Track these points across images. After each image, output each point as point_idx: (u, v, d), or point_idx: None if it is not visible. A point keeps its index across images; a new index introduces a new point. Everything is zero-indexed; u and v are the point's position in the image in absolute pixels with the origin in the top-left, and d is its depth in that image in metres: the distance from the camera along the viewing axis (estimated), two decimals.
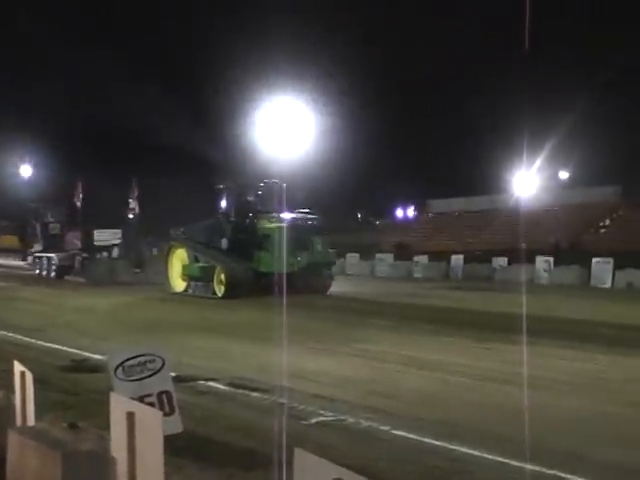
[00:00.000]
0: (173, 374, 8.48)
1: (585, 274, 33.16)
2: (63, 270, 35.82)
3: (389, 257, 41.54)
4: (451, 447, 8.29)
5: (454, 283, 25.02)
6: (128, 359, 7.69)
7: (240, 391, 11.25)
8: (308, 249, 25.29)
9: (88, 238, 35.42)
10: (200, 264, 26.91)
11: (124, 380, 7.56)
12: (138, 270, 33.48)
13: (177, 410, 7.80)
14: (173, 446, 6.44)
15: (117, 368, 7.66)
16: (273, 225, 25.71)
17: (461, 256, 38.61)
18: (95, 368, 12.06)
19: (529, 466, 7.48)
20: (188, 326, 18.92)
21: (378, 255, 42.23)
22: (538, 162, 39.20)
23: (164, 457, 5.57)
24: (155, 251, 34.98)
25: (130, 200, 36.68)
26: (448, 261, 38.74)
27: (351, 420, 9.43)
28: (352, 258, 42.32)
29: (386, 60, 49.61)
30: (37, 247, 38.50)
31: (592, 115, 37.52)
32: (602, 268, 31.94)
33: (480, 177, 45.69)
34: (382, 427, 9.08)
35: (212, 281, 25.90)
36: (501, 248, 38.93)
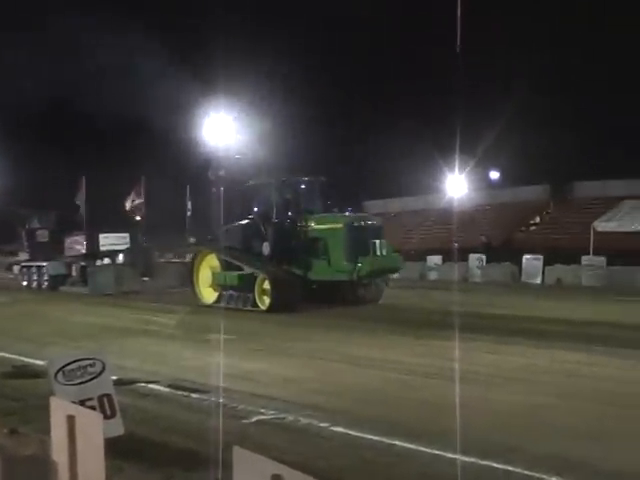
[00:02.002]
0: (114, 377, 8.44)
1: (516, 271, 33.67)
2: (57, 280, 31.67)
3: None
4: (389, 442, 8.34)
5: (390, 281, 25.17)
6: (68, 363, 7.64)
7: (180, 392, 11.20)
8: (369, 254, 21.19)
9: (93, 243, 31.20)
10: (238, 272, 22.63)
11: (64, 384, 7.51)
12: (146, 278, 30.25)
13: (118, 413, 7.77)
14: (114, 448, 6.41)
15: (57, 373, 7.60)
16: (326, 227, 21.96)
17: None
18: (37, 374, 11.91)
19: (464, 458, 7.60)
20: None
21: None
22: (470, 163, 39.65)
23: (105, 459, 5.56)
24: (159, 257, 31.93)
25: (138, 201, 32.71)
26: None
27: (290, 418, 9.45)
28: None
29: (323, 63, 49.01)
30: (23, 256, 34.88)
31: (521, 116, 38.01)
32: (532, 265, 32.45)
33: (415, 178, 46.01)
34: (321, 424, 9.11)
35: (252, 291, 21.95)
36: (436, 247, 39.36)
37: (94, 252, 30.74)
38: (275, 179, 23.26)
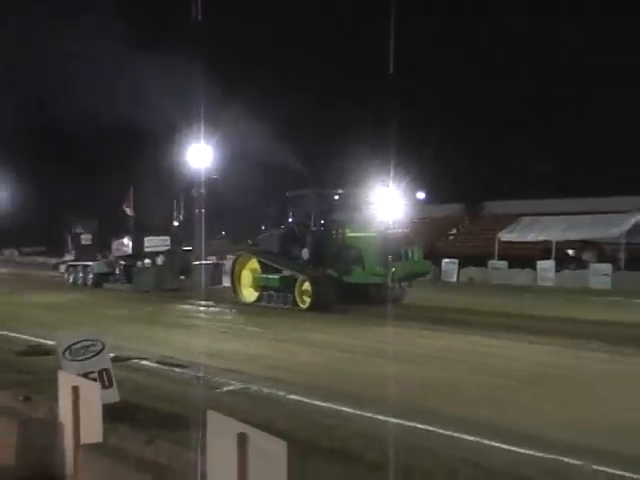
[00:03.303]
0: (112, 355, 8.34)
1: (437, 271, 33.87)
2: (101, 278, 29.92)
3: None
4: (334, 407, 8.38)
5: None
6: (74, 343, 7.56)
7: (167, 367, 11.10)
8: (401, 259, 19.60)
9: (138, 244, 29.07)
10: (279, 274, 21.05)
11: (71, 360, 7.43)
12: (183, 277, 28.37)
13: (115, 384, 7.68)
14: (111, 413, 6.34)
15: (65, 351, 7.53)
16: (361, 235, 20.21)
17: None
18: (48, 351, 11.72)
19: (394, 420, 7.65)
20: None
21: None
22: (402, 184, 39.74)
23: (103, 422, 5.50)
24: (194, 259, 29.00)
25: (178, 208, 30.22)
26: None
27: (255, 388, 9.42)
28: None
29: (266, 79, 45.45)
30: (68, 257, 32.62)
31: (443, 146, 38.22)
32: (450, 267, 32.63)
33: None
34: (280, 393, 9.10)
35: (292, 292, 20.36)
36: None
37: (139, 253, 28.86)
38: (312, 191, 21.53)
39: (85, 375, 6.93)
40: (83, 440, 5.28)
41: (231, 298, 22.28)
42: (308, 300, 19.82)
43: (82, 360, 7.45)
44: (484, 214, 40.58)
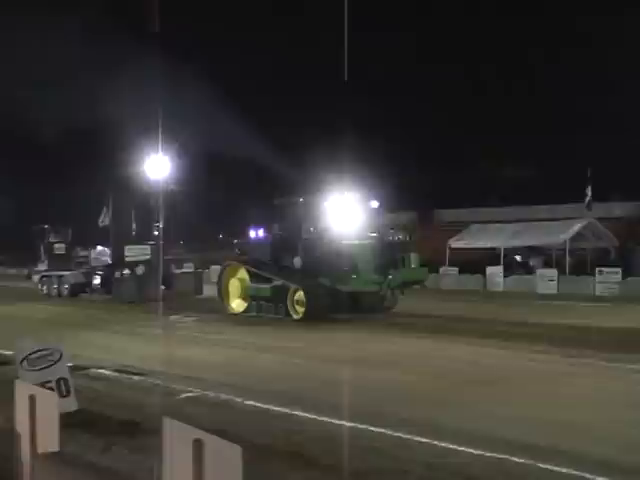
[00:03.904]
0: (70, 364, 8.22)
1: None
2: (77, 288, 28.33)
3: None
4: (290, 412, 8.36)
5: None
6: (32, 353, 7.44)
7: (125, 375, 10.97)
8: (398, 267, 18.41)
9: (118, 254, 27.61)
10: (271, 284, 19.75)
11: (28, 370, 7.31)
12: (163, 287, 26.24)
13: (72, 392, 7.58)
14: (69, 421, 6.25)
15: (22, 360, 7.40)
16: (356, 241, 18.95)
17: None
18: (6, 361, 11.47)
19: (347, 423, 7.67)
20: None
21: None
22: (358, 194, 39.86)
23: (60, 430, 5.41)
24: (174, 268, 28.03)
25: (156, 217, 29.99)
26: None
27: (213, 394, 9.36)
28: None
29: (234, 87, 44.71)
30: (42, 266, 30.90)
31: (395, 158, 38.54)
32: None
33: None
34: (237, 399, 9.06)
35: (284, 302, 19.10)
36: None
37: (119, 262, 27.41)
38: (302, 197, 20.21)
39: (42, 384, 6.82)
40: (40, 449, 5.19)
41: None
42: (301, 310, 18.70)
43: (39, 369, 7.34)
44: (435, 222, 41.01)
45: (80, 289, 28.56)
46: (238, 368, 11.66)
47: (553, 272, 27.84)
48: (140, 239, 28.63)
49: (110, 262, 27.75)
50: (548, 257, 31.44)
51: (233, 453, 3.63)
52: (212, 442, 3.82)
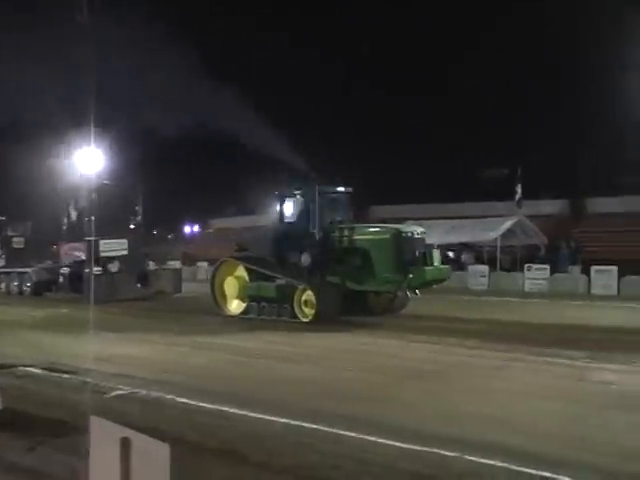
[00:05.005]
0: None
1: None
2: (41, 286, 26.31)
3: (177, 263, 40.74)
4: (223, 409, 8.30)
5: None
6: None
7: (54, 374, 10.72)
8: (419, 264, 16.42)
9: (93, 249, 24.71)
10: (274, 283, 18.00)
11: None
12: (139, 285, 24.80)
13: None
14: None
15: None
16: (370, 237, 17.13)
17: None
18: None
19: (280, 419, 7.67)
20: None
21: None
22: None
23: None
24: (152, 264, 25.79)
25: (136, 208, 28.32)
26: None
27: (144, 392, 9.23)
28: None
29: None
30: None
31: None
32: None
33: (252, 199, 45.34)
34: (168, 396, 8.95)
35: (290, 302, 17.38)
36: None
37: (93, 258, 24.56)
38: (310, 188, 18.00)
39: None
40: None
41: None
42: (310, 312, 17.05)
43: None
44: (370, 219, 41.30)
45: (45, 287, 26.58)
46: (169, 365, 11.54)
47: (484, 268, 28.42)
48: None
49: (83, 258, 25.27)
50: (479, 253, 32.08)
51: (161, 451, 3.60)
52: (139, 440, 3.77)
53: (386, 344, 13.61)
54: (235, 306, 19.05)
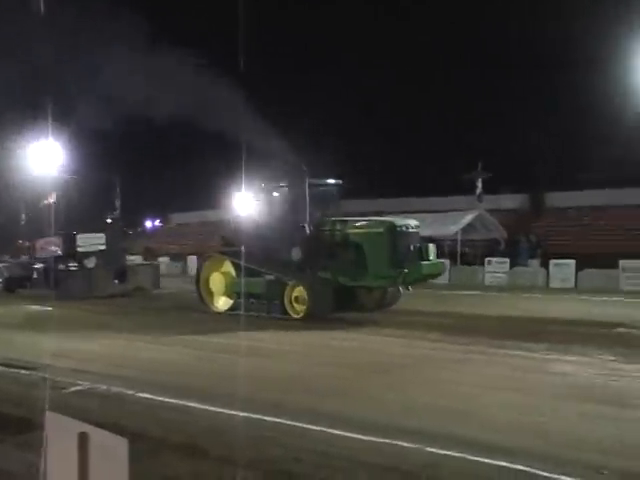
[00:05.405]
0: None
1: None
2: (14, 282, 25.21)
3: (138, 258, 40.48)
4: (184, 403, 8.29)
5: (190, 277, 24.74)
6: None
7: (12, 369, 10.58)
8: (415, 259, 15.85)
9: (70, 244, 24.06)
10: (263, 279, 17.38)
11: None
12: (117, 281, 23.78)
13: None
14: None
15: None
16: (364, 231, 16.47)
17: (195, 256, 38.67)
18: None
19: (242, 413, 7.66)
20: None
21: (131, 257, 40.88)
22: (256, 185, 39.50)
23: None
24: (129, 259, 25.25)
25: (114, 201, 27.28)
26: (186, 261, 38.63)
27: (104, 387, 9.16)
28: None
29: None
30: None
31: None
32: None
33: (211, 194, 45.08)
34: (129, 391, 8.89)
35: (280, 299, 16.86)
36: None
37: (70, 253, 24.04)
38: (299, 181, 17.26)
39: None
40: None
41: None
42: (301, 308, 16.53)
43: None
44: (345, 212, 41.37)
45: (17, 283, 25.57)
46: (127, 360, 11.46)
47: (445, 262, 28.64)
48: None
49: (60, 253, 24.51)
50: (440, 248, 32.32)
51: (119, 446, 3.58)
52: (97, 435, 3.75)
53: (348, 338, 13.68)
54: (222, 303, 18.55)
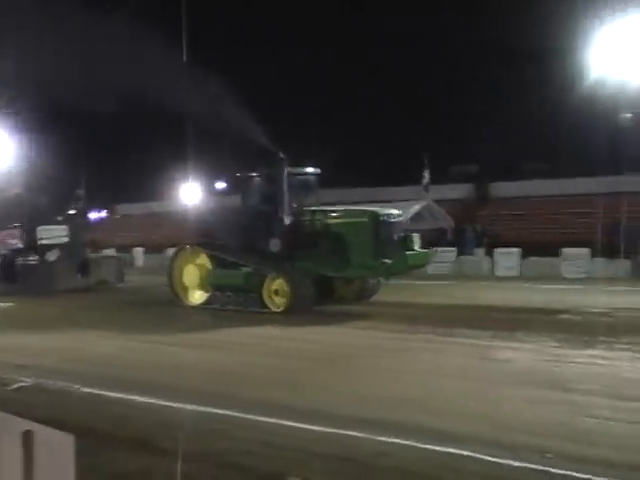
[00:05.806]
0: None
1: None
2: None
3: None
4: (132, 398, 8.18)
5: (137, 269, 24.46)
6: None
7: None
8: (399, 249, 15.50)
9: (30, 236, 23.19)
10: (240, 271, 16.74)
11: None
12: (79, 275, 22.73)
13: None
14: None
15: None
16: (346, 221, 15.91)
17: (141, 248, 38.17)
18: None
19: (190, 406, 7.60)
20: None
21: None
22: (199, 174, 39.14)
23: None
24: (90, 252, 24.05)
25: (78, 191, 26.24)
26: (132, 252, 38.16)
27: (49, 382, 8.98)
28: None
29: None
30: None
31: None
32: None
33: (156, 186, 44.45)
34: (75, 386, 8.74)
35: (259, 292, 16.19)
36: (172, 242, 38.79)
37: (31, 246, 23.10)
38: (278, 170, 16.47)
39: None
40: None
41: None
42: (282, 301, 15.96)
43: None
44: None
45: None
46: (74, 354, 11.26)
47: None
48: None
49: (20, 246, 23.61)
50: None
51: (65, 443, 3.51)
52: (43, 433, 3.67)
53: (302, 330, 13.66)
54: (197, 297, 17.87)
